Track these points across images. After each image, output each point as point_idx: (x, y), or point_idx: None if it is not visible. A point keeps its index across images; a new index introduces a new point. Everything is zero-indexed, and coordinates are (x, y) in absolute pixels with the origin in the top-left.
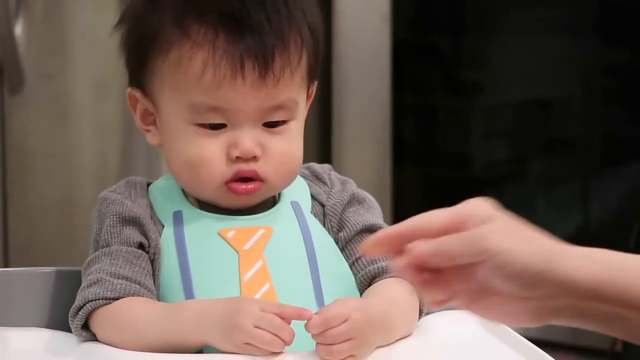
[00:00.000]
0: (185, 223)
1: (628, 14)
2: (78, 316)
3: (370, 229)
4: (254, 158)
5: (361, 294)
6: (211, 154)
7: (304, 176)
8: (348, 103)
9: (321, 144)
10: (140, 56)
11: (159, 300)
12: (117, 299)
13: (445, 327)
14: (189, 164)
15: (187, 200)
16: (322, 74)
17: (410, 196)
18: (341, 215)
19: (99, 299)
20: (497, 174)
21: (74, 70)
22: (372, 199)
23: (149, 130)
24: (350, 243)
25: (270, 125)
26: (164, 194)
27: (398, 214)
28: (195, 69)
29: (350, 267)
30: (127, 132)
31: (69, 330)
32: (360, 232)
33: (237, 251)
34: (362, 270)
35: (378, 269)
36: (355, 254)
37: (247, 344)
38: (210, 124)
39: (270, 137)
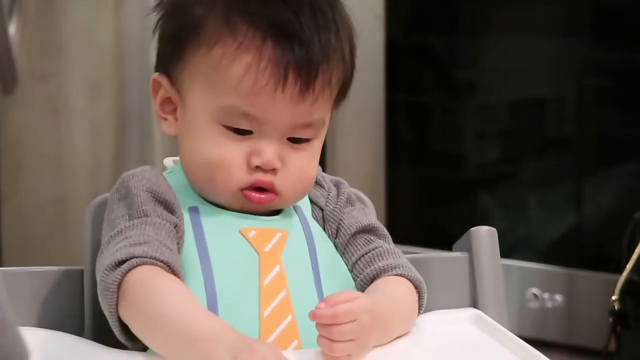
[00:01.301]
0: (203, 217)
1: (621, 14)
2: (119, 269)
3: (365, 229)
4: (273, 170)
5: None
6: (232, 158)
7: None
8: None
9: None
10: (177, 45)
11: None
12: (166, 264)
13: (440, 326)
14: (207, 164)
15: (201, 197)
16: None
17: (403, 196)
18: (339, 220)
19: (147, 257)
20: (491, 173)
21: (68, 70)
22: (364, 197)
23: (165, 119)
24: (347, 246)
25: (295, 140)
26: (180, 187)
27: (391, 213)
28: (236, 71)
29: (350, 272)
30: (120, 132)
31: (62, 330)
32: (355, 233)
33: (257, 252)
34: (361, 273)
35: (377, 269)
36: (353, 258)
37: None
38: (237, 129)
39: (292, 152)
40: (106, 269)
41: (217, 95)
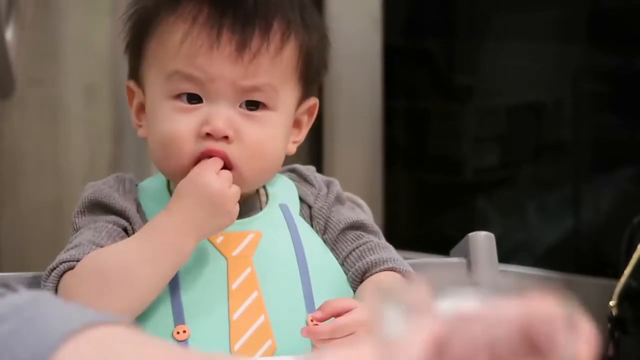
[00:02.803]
0: None
1: (618, 19)
2: (51, 277)
3: (353, 226)
4: (226, 139)
5: (354, 291)
6: (182, 130)
7: (290, 178)
8: (339, 107)
9: (312, 148)
10: (137, 43)
11: None
12: None
13: None
14: (162, 141)
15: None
16: None
17: (401, 200)
18: (327, 217)
19: (73, 260)
20: (488, 178)
21: (65, 75)
22: (361, 201)
23: (140, 126)
24: (336, 242)
25: (248, 106)
26: (152, 194)
27: (389, 218)
28: (175, 40)
29: (341, 267)
30: (117, 137)
31: None
32: (344, 229)
33: (225, 257)
34: (352, 267)
35: (368, 263)
36: (343, 253)
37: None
38: (187, 96)
39: (246, 122)
40: (43, 278)
41: (162, 68)
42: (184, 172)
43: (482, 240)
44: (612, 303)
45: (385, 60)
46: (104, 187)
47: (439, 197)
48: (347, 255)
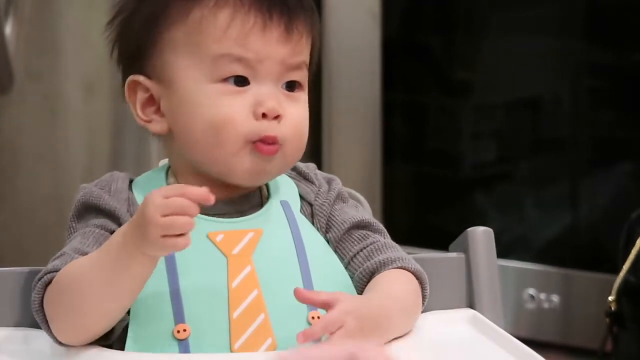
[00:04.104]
0: None
1: (616, 15)
2: (36, 288)
3: (359, 225)
4: (278, 117)
5: (361, 293)
6: (237, 112)
7: (290, 176)
8: (338, 101)
9: (311, 142)
10: (148, 34)
11: (139, 300)
12: None
13: (436, 327)
14: (213, 126)
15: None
16: (312, 72)
17: (399, 196)
18: (329, 214)
19: (56, 271)
20: (486, 173)
21: (64, 69)
22: (360, 196)
23: (149, 121)
24: (341, 242)
25: (288, 87)
26: (148, 188)
27: (387, 213)
28: (220, 23)
29: (346, 267)
30: (116, 131)
31: None
32: (349, 229)
33: (225, 256)
34: (360, 267)
35: (376, 263)
36: (349, 253)
37: (164, 236)
38: (235, 79)
39: (288, 102)
40: (32, 287)
41: (206, 52)
42: (235, 155)
43: (481, 236)
44: (610, 298)
45: (384, 54)
46: (94, 189)
47: (437, 191)
48: (354, 256)
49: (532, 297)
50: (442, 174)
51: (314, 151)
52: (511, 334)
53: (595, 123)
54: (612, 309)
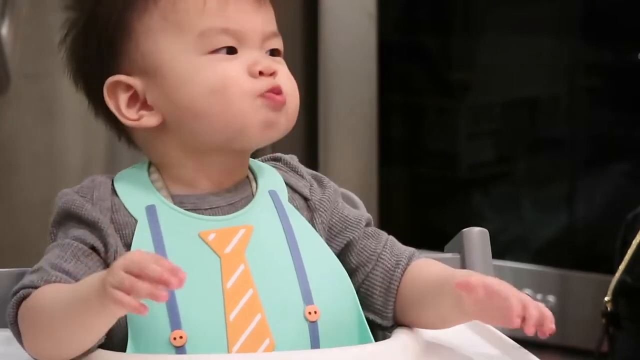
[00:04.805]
0: (161, 220)
1: (613, 14)
2: (12, 302)
3: (369, 223)
4: (273, 74)
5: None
6: (235, 72)
7: (275, 167)
8: (334, 102)
9: (307, 143)
10: (117, 34)
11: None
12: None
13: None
14: (216, 89)
15: (159, 193)
16: (309, 73)
17: (395, 196)
18: (339, 212)
19: (32, 287)
20: (484, 173)
21: (60, 70)
22: (355, 197)
23: (139, 118)
24: (361, 240)
25: (272, 54)
26: (133, 187)
27: (383, 214)
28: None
29: (374, 267)
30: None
31: None
32: (365, 227)
33: (218, 256)
34: (388, 262)
35: (399, 257)
36: (377, 250)
37: (115, 288)
38: (226, 50)
39: (277, 65)
40: (8, 299)
41: (189, 29)
42: (249, 110)
43: (476, 236)
44: (606, 299)
45: (380, 55)
46: (76, 197)
47: (434, 192)
48: (381, 252)
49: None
50: (439, 175)
51: (310, 152)
52: (507, 335)
53: (592, 123)
54: (609, 309)
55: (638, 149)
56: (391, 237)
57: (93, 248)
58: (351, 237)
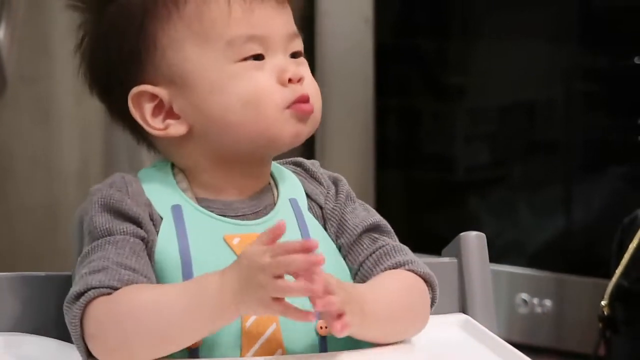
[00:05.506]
0: (187, 220)
1: (609, 19)
2: (78, 303)
3: (369, 228)
4: (300, 80)
5: None
6: (266, 82)
7: (295, 172)
8: (331, 106)
9: (304, 147)
10: (139, 46)
11: None
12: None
13: (428, 332)
14: (249, 101)
15: (184, 194)
16: None
17: (392, 200)
18: (340, 219)
19: (103, 287)
20: (480, 177)
21: (56, 73)
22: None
23: (166, 127)
24: (352, 248)
25: (294, 56)
26: (159, 186)
27: (381, 217)
28: (221, 6)
29: (355, 274)
30: (109, 135)
31: (53, 336)
32: (361, 234)
33: None
34: (370, 274)
35: (384, 269)
36: (359, 259)
37: (275, 299)
38: (253, 56)
39: (300, 68)
40: (67, 302)
41: (216, 38)
42: (278, 121)
43: (473, 240)
44: (603, 303)
45: (377, 59)
46: (113, 192)
47: (430, 196)
48: (363, 262)
49: (525, 301)
50: (435, 179)
51: (307, 155)
52: (504, 339)
53: (588, 127)
54: (605, 313)
55: (634, 153)
56: (386, 247)
57: (144, 240)
58: (342, 243)
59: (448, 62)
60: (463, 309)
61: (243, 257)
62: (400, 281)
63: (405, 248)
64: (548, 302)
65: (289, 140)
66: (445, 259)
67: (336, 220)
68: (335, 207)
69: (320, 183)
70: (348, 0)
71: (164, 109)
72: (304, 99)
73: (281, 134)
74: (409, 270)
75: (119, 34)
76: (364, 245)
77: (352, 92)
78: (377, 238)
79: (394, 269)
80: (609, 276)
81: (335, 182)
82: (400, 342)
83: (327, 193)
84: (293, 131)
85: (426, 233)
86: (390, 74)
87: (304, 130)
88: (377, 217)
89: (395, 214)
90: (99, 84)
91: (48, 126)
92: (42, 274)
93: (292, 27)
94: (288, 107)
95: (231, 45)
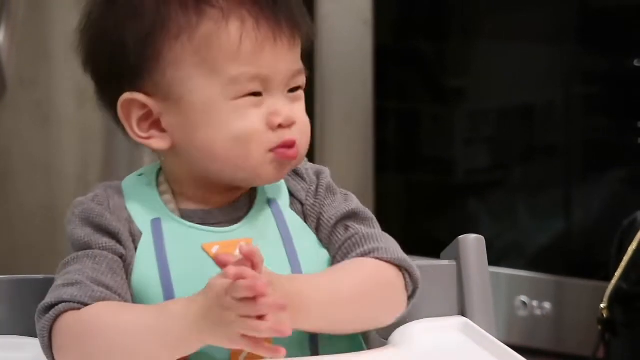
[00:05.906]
0: (166, 233)
1: (608, 21)
2: (48, 315)
3: (343, 217)
4: (291, 125)
5: None
6: (256, 124)
7: None
8: (330, 109)
9: None
10: (143, 54)
11: None
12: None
13: (427, 334)
14: (239, 137)
15: (166, 206)
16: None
17: (392, 203)
18: (319, 214)
19: (74, 302)
20: (480, 180)
21: (56, 76)
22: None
23: (149, 138)
24: (329, 239)
25: (291, 90)
26: (141, 199)
27: (380, 220)
28: (232, 37)
29: (333, 262)
30: (109, 138)
31: None
32: (335, 224)
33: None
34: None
35: (354, 257)
36: (333, 250)
37: (244, 335)
38: (251, 94)
39: (293, 105)
40: (39, 312)
41: (220, 71)
42: (259, 164)
43: (472, 243)
44: (602, 305)
45: (376, 61)
46: (94, 206)
47: (430, 199)
48: (336, 254)
49: (524, 304)
50: (435, 181)
51: (306, 158)
52: (503, 342)
53: (588, 130)
54: (604, 316)
55: (634, 155)
56: (357, 235)
57: (122, 257)
58: (320, 237)
59: (447, 65)
60: (462, 312)
61: (209, 289)
62: (355, 270)
63: (378, 234)
64: (547, 305)
65: (267, 182)
66: (444, 262)
67: (315, 215)
68: (315, 203)
69: (303, 179)
70: (347, 2)
71: (151, 119)
72: (289, 144)
73: (261, 175)
74: (376, 257)
75: (125, 39)
76: (338, 236)
77: (351, 95)
78: (349, 227)
79: (362, 256)
80: (608, 279)
81: (318, 175)
82: (399, 344)
83: (309, 188)
84: (272, 175)
85: (425, 236)
86: (389, 76)
87: (286, 169)
88: (353, 205)
89: (395, 216)
90: (96, 73)
91: (48, 129)
92: (41, 276)
93: (297, 64)
94: (271, 150)
95: (234, 83)
